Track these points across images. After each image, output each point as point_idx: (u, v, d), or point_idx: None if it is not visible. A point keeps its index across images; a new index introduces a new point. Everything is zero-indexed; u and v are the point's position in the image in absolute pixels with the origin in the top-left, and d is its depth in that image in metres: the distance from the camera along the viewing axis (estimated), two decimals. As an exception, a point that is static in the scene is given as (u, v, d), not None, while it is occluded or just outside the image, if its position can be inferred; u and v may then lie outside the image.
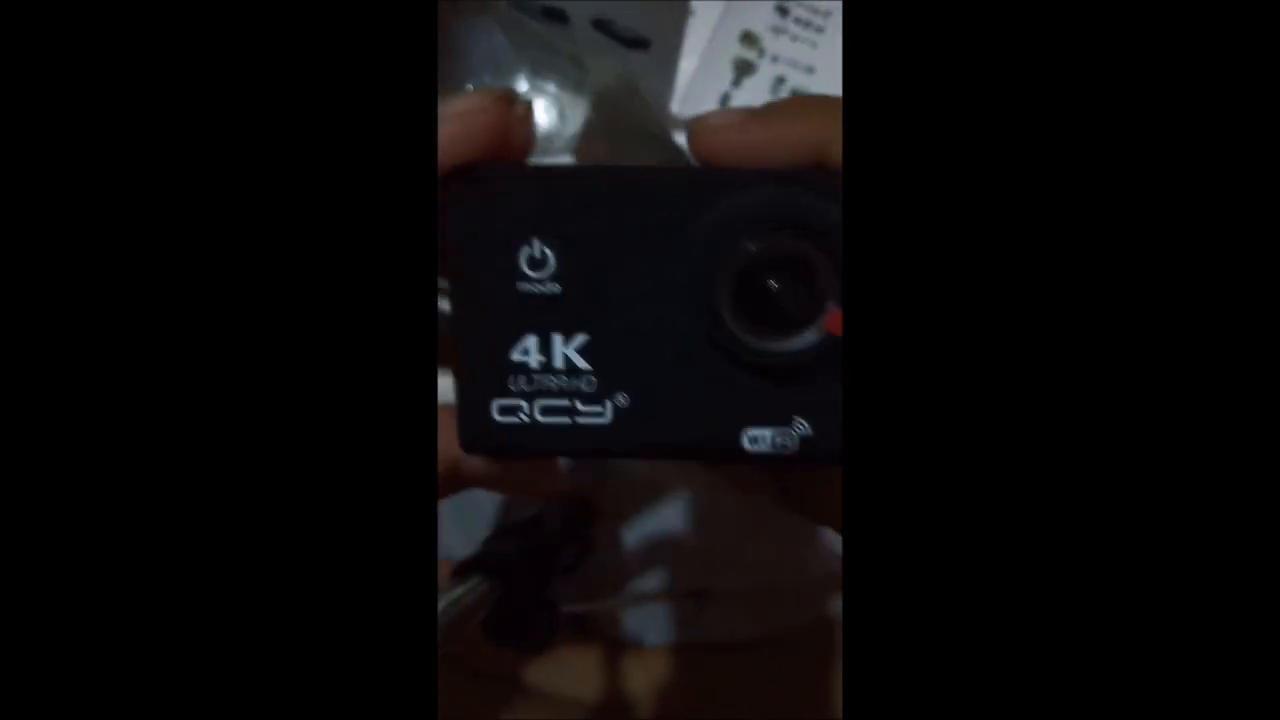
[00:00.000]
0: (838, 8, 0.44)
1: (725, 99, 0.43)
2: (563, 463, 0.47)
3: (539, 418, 0.16)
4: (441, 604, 0.31)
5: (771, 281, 0.15)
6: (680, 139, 0.42)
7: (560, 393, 0.16)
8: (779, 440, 0.16)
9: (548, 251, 0.16)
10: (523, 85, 0.47)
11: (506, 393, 0.16)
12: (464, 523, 0.46)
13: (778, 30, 0.44)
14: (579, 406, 0.16)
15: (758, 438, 0.16)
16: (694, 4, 0.40)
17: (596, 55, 0.40)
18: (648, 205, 0.15)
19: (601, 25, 0.36)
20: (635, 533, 0.47)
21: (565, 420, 0.16)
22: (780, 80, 0.44)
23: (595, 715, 0.45)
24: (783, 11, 0.44)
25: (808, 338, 0.15)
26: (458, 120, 0.16)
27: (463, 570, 0.34)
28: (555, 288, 0.16)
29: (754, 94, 0.44)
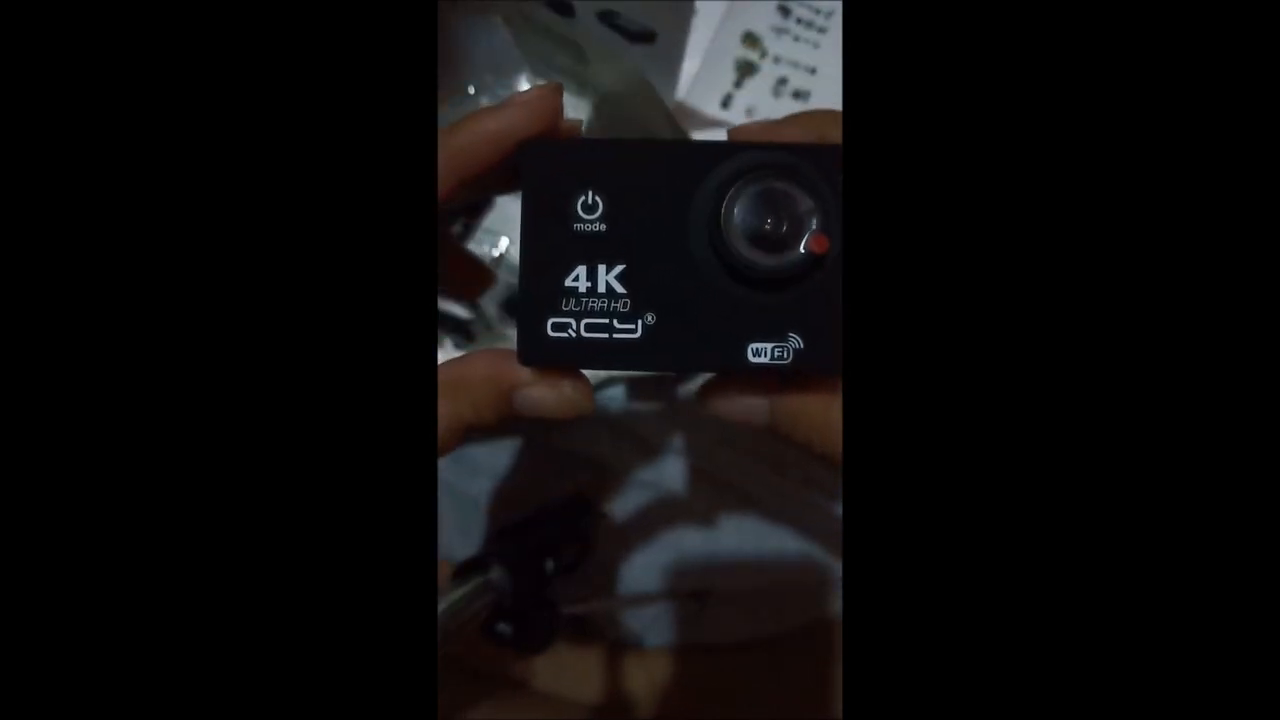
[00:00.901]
0: (839, 8, 0.44)
1: (727, 99, 0.43)
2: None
3: (583, 333, 0.20)
4: (441, 605, 0.31)
5: (765, 214, 0.19)
6: (690, 135, 0.42)
7: (601, 313, 0.20)
8: (777, 352, 0.19)
9: (598, 198, 0.20)
10: (524, 85, 0.47)
11: (559, 312, 0.20)
12: (464, 523, 0.47)
13: (780, 31, 0.44)
14: (616, 324, 0.20)
15: (760, 350, 0.19)
16: (697, 4, 0.40)
17: (601, 48, 0.40)
18: (676, 163, 0.20)
19: (607, 18, 0.36)
20: (635, 533, 0.47)
21: (604, 336, 0.20)
22: (782, 81, 0.44)
23: (595, 715, 0.45)
24: (785, 12, 0.44)
25: (794, 254, 0.19)
26: (526, 104, 0.20)
27: (463, 571, 0.34)
28: (602, 227, 0.20)
29: (756, 95, 0.44)
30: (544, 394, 0.21)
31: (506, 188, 0.24)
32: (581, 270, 0.20)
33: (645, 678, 0.46)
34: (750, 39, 0.44)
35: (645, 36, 0.36)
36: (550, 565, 0.38)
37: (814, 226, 0.18)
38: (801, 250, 0.19)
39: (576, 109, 0.47)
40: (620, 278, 0.20)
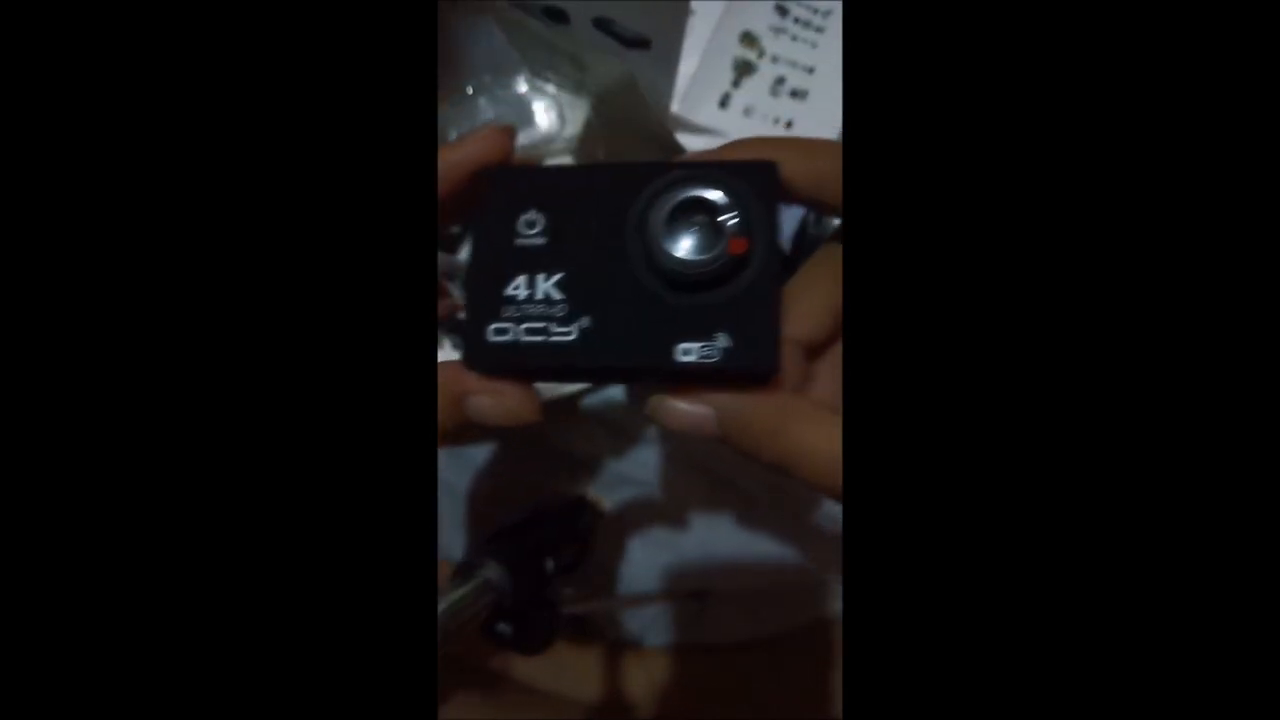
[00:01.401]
0: (838, 8, 0.44)
1: (725, 99, 0.43)
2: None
3: (522, 338, 0.21)
4: (442, 605, 0.31)
5: (687, 217, 0.20)
6: (680, 138, 0.42)
7: (539, 317, 0.21)
8: (705, 351, 0.20)
9: (539, 216, 0.21)
10: (522, 86, 0.47)
11: (500, 318, 0.21)
12: (465, 524, 0.47)
13: (778, 30, 0.44)
14: (553, 328, 0.21)
15: (688, 350, 0.20)
16: (694, 4, 0.40)
17: (597, 54, 0.40)
18: (611, 183, 0.21)
19: (602, 24, 0.36)
20: (635, 533, 0.47)
21: (541, 339, 0.21)
22: (780, 80, 0.44)
23: (595, 715, 0.45)
24: (783, 11, 0.44)
25: (715, 255, 0.20)
26: (480, 140, 0.23)
27: (463, 571, 0.34)
28: (542, 240, 0.21)
29: (754, 94, 0.44)
30: (488, 402, 0.21)
31: (466, 219, 0.26)
32: (522, 280, 0.21)
33: (645, 678, 0.46)
34: (748, 38, 0.44)
35: (640, 42, 0.36)
36: (550, 565, 0.38)
37: (734, 229, 0.19)
38: (721, 251, 0.19)
39: (575, 109, 0.47)
40: (559, 285, 0.21)
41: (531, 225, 0.21)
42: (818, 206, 0.22)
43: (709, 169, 0.21)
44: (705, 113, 0.43)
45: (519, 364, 0.21)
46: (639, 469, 0.47)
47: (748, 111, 0.44)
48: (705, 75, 0.43)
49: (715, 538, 0.46)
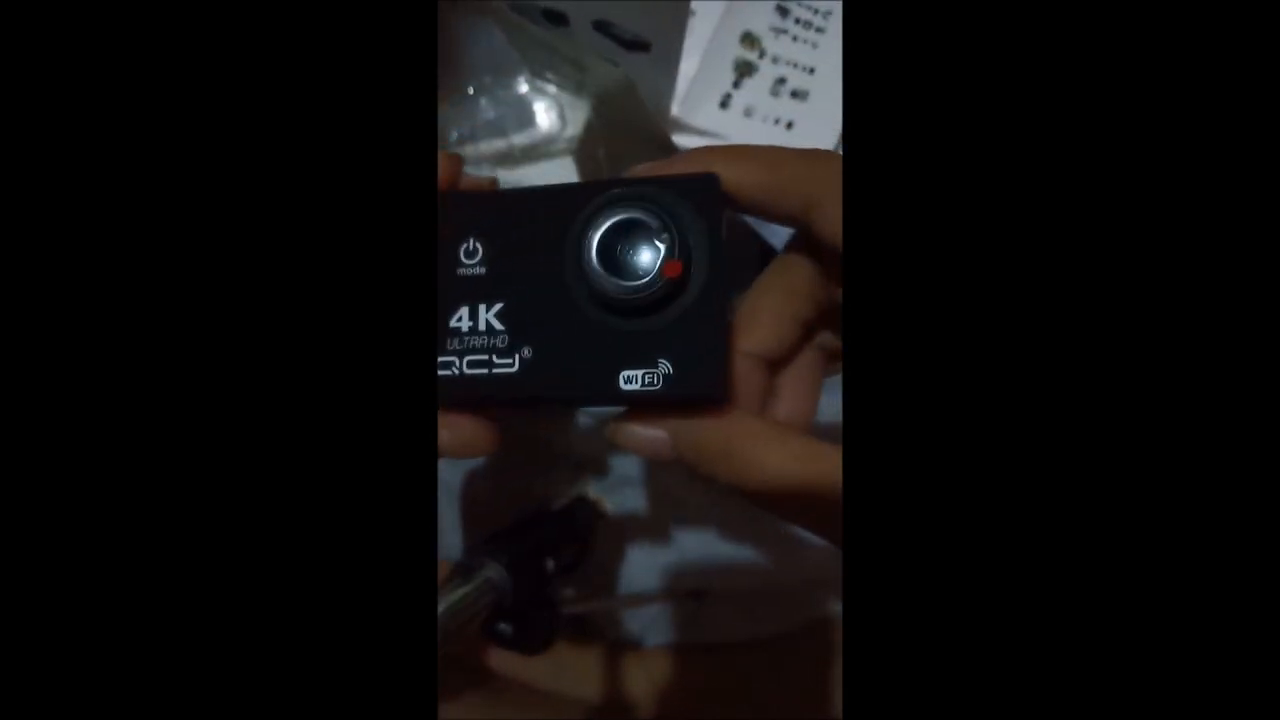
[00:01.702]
0: (838, 8, 0.44)
1: (726, 100, 0.43)
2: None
3: (465, 370, 0.21)
4: (442, 605, 0.31)
5: (620, 242, 0.20)
6: (679, 139, 0.42)
7: (481, 349, 0.21)
8: (647, 378, 0.20)
9: (478, 244, 0.21)
10: (523, 86, 0.47)
11: (445, 350, 0.21)
12: (464, 524, 0.47)
13: (778, 31, 0.44)
14: (495, 360, 0.20)
15: (630, 377, 0.20)
16: (695, 5, 0.40)
17: (597, 57, 0.40)
18: (550, 205, 0.21)
19: (602, 27, 0.36)
20: (635, 533, 0.47)
21: (484, 371, 0.21)
22: (781, 81, 0.44)
23: (595, 715, 0.45)
24: (783, 12, 0.44)
25: (649, 280, 0.19)
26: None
27: (463, 571, 0.34)
28: (482, 270, 0.21)
29: (754, 95, 0.44)
30: (443, 435, 0.21)
31: None
32: (464, 311, 0.21)
33: (645, 677, 0.46)
34: (749, 39, 0.44)
35: (640, 44, 0.36)
36: (550, 565, 0.38)
37: (667, 253, 0.19)
38: (655, 275, 0.19)
39: (576, 110, 0.47)
40: (499, 315, 0.21)
41: (471, 254, 0.21)
42: (765, 215, 0.21)
43: (644, 187, 0.20)
44: (706, 113, 0.43)
45: (463, 397, 0.21)
46: (639, 469, 0.47)
47: (748, 112, 0.44)
48: (706, 76, 0.43)
49: (715, 538, 0.46)
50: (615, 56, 0.38)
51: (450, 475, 0.47)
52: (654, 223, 0.19)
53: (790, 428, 0.20)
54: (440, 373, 0.21)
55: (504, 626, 0.34)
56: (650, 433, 0.21)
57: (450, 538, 0.46)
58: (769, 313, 0.22)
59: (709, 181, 0.20)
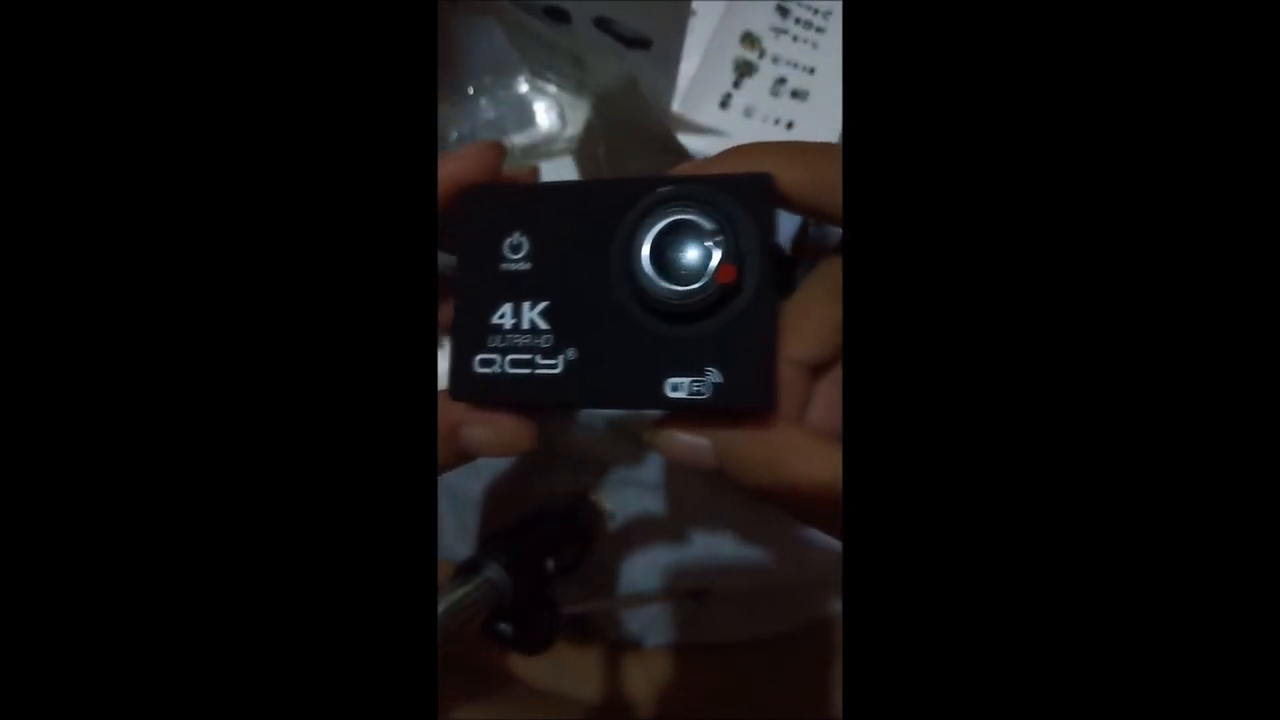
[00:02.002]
0: (838, 8, 0.44)
1: (726, 100, 0.43)
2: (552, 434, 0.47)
3: (508, 369, 0.20)
4: (442, 605, 0.31)
5: (673, 244, 0.19)
6: (681, 138, 0.42)
7: (525, 349, 0.20)
8: (694, 387, 0.19)
9: (524, 239, 0.20)
10: (523, 86, 0.47)
11: (485, 349, 0.20)
12: (464, 523, 0.47)
13: (778, 31, 0.44)
14: (539, 360, 0.20)
15: (677, 385, 0.19)
16: (695, 4, 0.40)
17: (598, 54, 0.40)
18: (599, 202, 0.20)
19: (603, 24, 0.36)
20: (635, 533, 0.47)
21: (527, 371, 0.20)
22: (781, 81, 0.44)
23: (595, 715, 0.45)
24: (783, 12, 0.44)
25: (702, 284, 0.18)
26: (466, 156, 0.21)
27: (463, 571, 0.34)
28: (527, 265, 0.20)
29: (755, 94, 0.44)
30: (483, 433, 0.20)
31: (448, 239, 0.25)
32: (508, 308, 0.20)
33: (645, 677, 0.46)
34: (749, 39, 0.44)
35: (641, 42, 0.36)
36: (550, 565, 0.38)
37: (723, 257, 0.18)
38: (708, 280, 0.18)
39: (576, 109, 0.47)
40: (544, 314, 0.20)
41: (516, 249, 0.20)
42: (819, 216, 0.20)
43: (697, 186, 0.19)
44: (706, 113, 0.43)
45: (505, 396, 0.20)
46: (639, 469, 0.47)
47: (748, 112, 0.44)
48: (706, 75, 0.43)
49: (715, 538, 0.46)
50: (616, 54, 0.38)
51: (450, 475, 0.47)
52: (708, 225, 0.18)
53: (830, 439, 0.19)
54: (481, 370, 0.20)
55: (504, 626, 0.34)
56: (694, 440, 0.20)
57: (450, 538, 0.46)
58: (815, 318, 0.21)
59: (763, 182, 0.19)
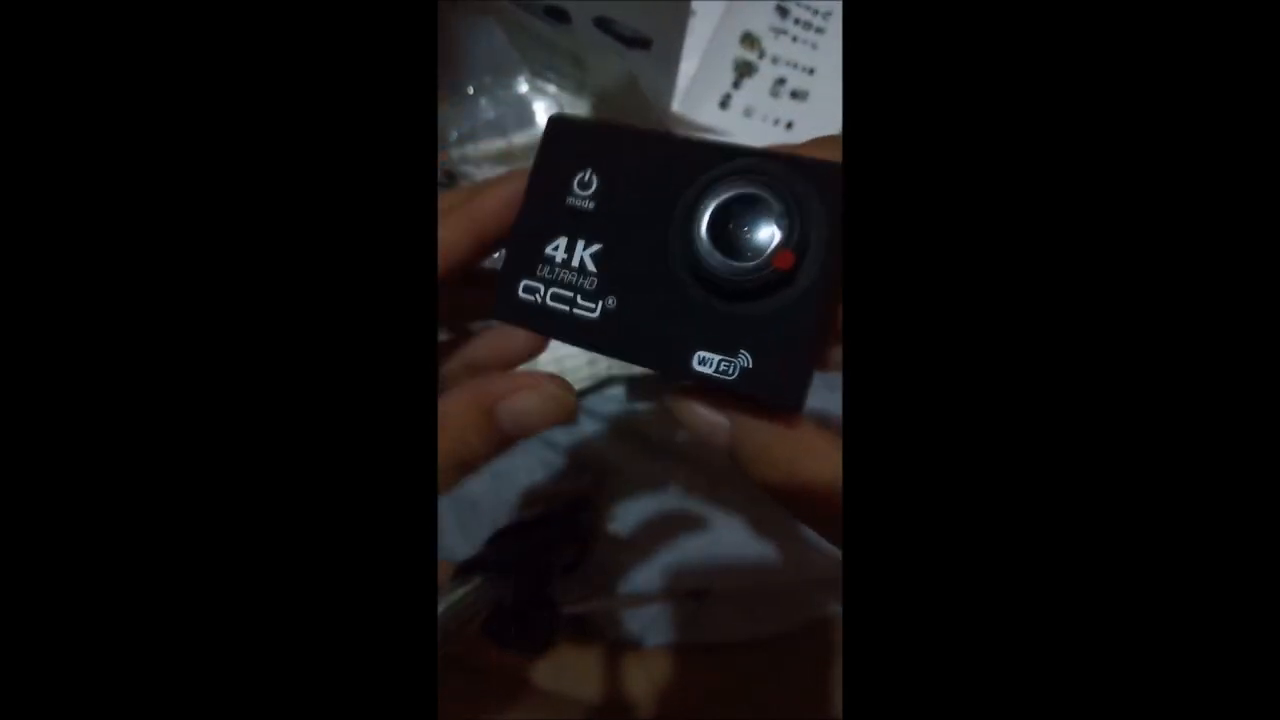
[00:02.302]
0: (838, 8, 0.44)
1: (726, 100, 0.43)
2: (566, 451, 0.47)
3: (548, 302, 0.20)
4: (442, 605, 0.31)
5: (736, 217, 0.18)
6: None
7: (568, 285, 0.20)
8: (723, 365, 0.18)
9: (594, 178, 0.20)
10: (523, 86, 0.47)
11: (533, 276, 0.20)
12: (464, 524, 0.47)
13: (778, 31, 0.44)
14: (578, 300, 0.20)
15: (706, 359, 0.19)
16: (695, 4, 0.40)
17: (598, 54, 0.40)
18: (672, 158, 0.20)
19: (603, 24, 0.36)
20: (635, 533, 0.47)
21: (565, 308, 0.20)
22: (781, 81, 0.44)
23: (595, 715, 0.45)
24: (783, 12, 0.44)
25: (756, 264, 0.18)
26: (511, 180, 0.22)
27: (464, 571, 0.34)
28: (590, 205, 0.20)
29: (754, 95, 0.44)
30: (526, 398, 0.20)
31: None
32: (563, 241, 0.20)
33: (645, 677, 0.46)
34: (748, 39, 0.44)
35: (641, 42, 0.36)
36: (550, 565, 0.38)
37: (783, 241, 0.18)
38: (764, 262, 0.18)
39: (576, 109, 0.47)
40: (595, 257, 0.20)
41: (584, 186, 0.20)
42: None
43: (774, 164, 0.18)
44: (706, 113, 0.43)
45: (538, 324, 0.20)
46: (640, 469, 0.47)
47: (748, 112, 0.44)
48: (706, 76, 0.43)
49: (715, 537, 0.46)
50: (616, 54, 0.38)
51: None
52: (778, 205, 0.18)
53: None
54: (524, 297, 0.20)
55: (504, 626, 0.34)
56: (713, 417, 0.20)
57: (450, 538, 0.46)
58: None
59: (835, 171, 0.18)
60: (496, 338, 0.27)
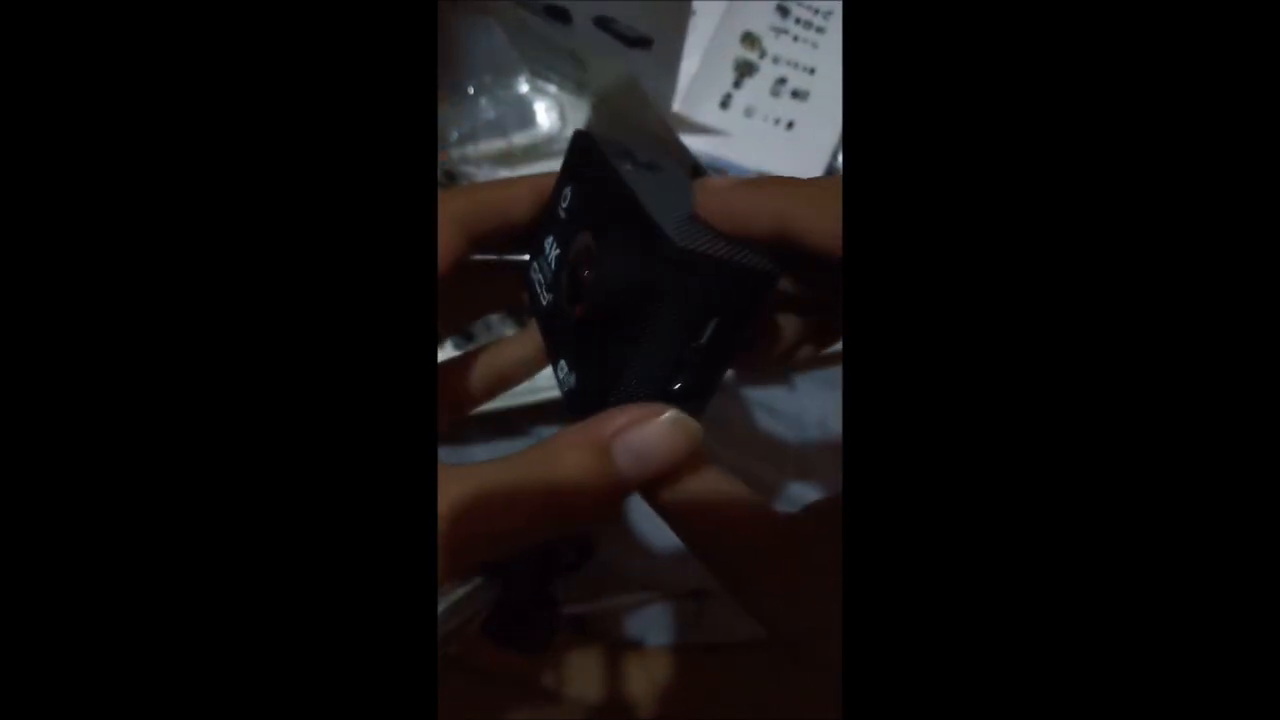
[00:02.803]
0: (838, 8, 0.44)
1: (726, 99, 0.43)
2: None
3: (535, 285, 0.25)
4: (442, 605, 0.31)
5: (576, 268, 0.22)
6: (683, 138, 0.42)
7: (543, 274, 0.24)
8: (563, 375, 0.22)
9: (569, 192, 0.24)
10: (523, 86, 0.47)
11: (537, 260, 0.25)
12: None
13: (779, 31, 0.44)
14: (544, 286, 0.24)
15: (560, 366, 0.22)
16: (696, 4, 0.40)
17: (598, 54, 0.40)
18: (611, 202, 0.22)
19: (603, 24, 0.36)
20: (635, 533, 0.47)
21: (537, 291, 0.25)
22: (781, 81, 0.44)
23: (596, 715, 0.45)
24: (784, 12, 0.44)
25: (557, 301, 0.23)
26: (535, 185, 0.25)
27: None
28: (565, 215, 0.24)
29: (755, 94, 0.44)
30: (650, 428, 0.17)
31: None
32: (550, 241, 0.24)
33: (645, 677, 0.46)
34: (749, 39, 0.44)
35: (642, 42, 0.36)
36: (550, 565, 0.38)
37: (584, 288, 0.21)
38: (562, 301, 0.22)
39: (576, 109, 0.47)
40: (555, 259, 0.24)
41: (564, 198, 0.24)
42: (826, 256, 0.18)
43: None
44: (706, 113, 0.43)
45: (531, 301, 0.25)
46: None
47: (748, 112, 0.44)
48: (706, 75, 0.43)
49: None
50: (617, 54, 0.38)
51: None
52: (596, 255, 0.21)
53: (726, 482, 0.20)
54: (531, 275, 0.25)
55: (504, 626, 0.34)
56: (758, 199, 0.19)
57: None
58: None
59: (766, 282, 0.19)
60: (516, 345, 0.28)
